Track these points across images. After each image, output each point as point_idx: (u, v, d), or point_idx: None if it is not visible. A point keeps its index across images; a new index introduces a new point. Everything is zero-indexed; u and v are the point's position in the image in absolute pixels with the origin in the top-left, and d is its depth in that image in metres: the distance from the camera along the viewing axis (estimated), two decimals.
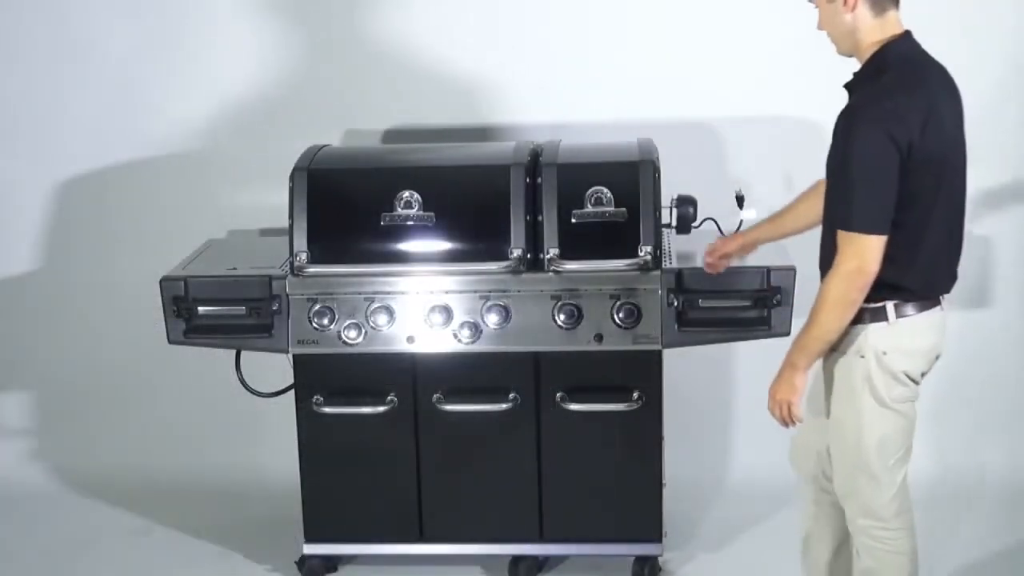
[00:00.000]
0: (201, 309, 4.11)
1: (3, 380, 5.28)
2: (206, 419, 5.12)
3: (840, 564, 3.57)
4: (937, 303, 3.27)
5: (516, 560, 4.24)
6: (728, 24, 4.79)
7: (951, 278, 3.32)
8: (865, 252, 3.08)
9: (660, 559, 4.26)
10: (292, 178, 4.07)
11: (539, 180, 4.03)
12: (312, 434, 4.19)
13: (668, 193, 4.15)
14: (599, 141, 4.39)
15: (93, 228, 5.12)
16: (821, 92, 4.71)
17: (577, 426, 4.12)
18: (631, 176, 4.02)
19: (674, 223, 4.18)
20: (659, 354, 4.05)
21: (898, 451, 3.29)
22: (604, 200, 3.99)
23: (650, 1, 4.81)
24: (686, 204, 4.17)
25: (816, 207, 3.43)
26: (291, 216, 4.05)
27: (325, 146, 4.32)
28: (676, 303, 3.97)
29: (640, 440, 4.13)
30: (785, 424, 3.28)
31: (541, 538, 4.23)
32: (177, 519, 4.75)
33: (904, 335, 3.21)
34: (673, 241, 4.30)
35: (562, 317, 4.00)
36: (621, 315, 3.98)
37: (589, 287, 3.99)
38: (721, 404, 4.97)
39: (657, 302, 3.97)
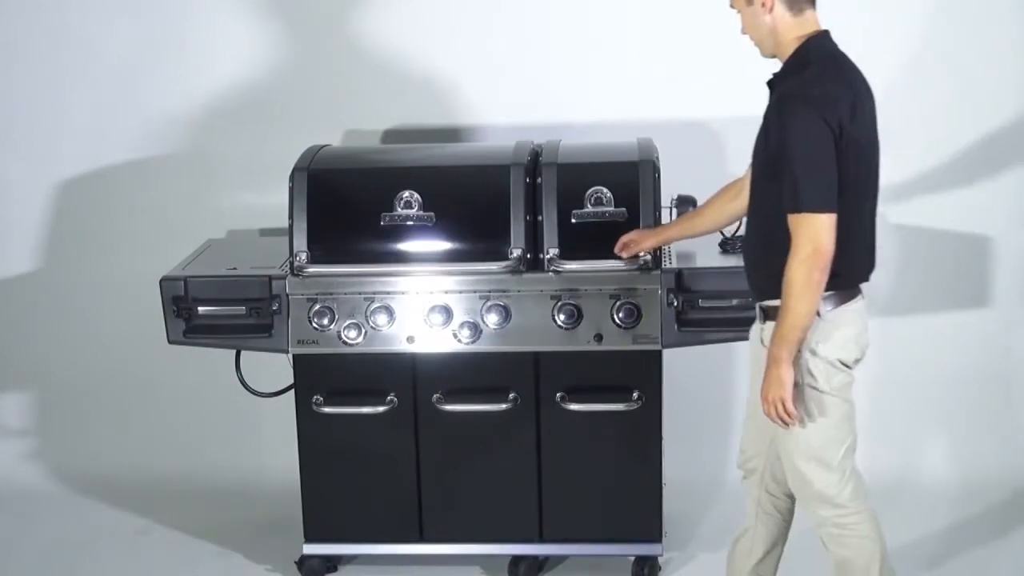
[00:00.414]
0: (201, 309, 4.11)
1: (3, 380, 5.28)
2: (206, 419, 5.12)
3: (765, 567, 3.65)
4: (859, 291, 3.36)
5: (516, 560, 4.24)
6: (728, 24, 4.78)
7: (872, 268, 3.41)
8: (819, 231, 3.14)
9: (660, 559, 4.26)
10: (292, 178, 4.07)
11: (539, 180, 4.03)
12: (312, 434, 4.19)
13: (668, 193, 4.15)
14: (599, 141, 4.39)
15: (93, 228, 5.12)
16: None
17: (577, 426, 4.12)
18: (631, 176, 4.02)
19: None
20: (659, 354, 4.06)
21: (846, 438, 3.35)
22: (604, 200, 4.00)
23: (650, 1, 4.81)
24: (686, 204, 4.17)
25: (726, 209, 3.73)
26: (291, 216, 4.06)
27: (325, 146, 4.32)
28: (676, 303, 3.98)
29: (640, 440, 4.13)
30: (784, 423, 3.29)
31: (541, 538, 4.23)
32: (177, 519, 4.75)
33: (836, 326, 3.28)
34: None
35: (562, 317, 4.00)
36: (621, 315, 3.98)
37: (589, 287, 3.99)
38: (721, 404, 4.97)
39: (657, 302, 3.97)
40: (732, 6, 3.39)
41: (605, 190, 4.00)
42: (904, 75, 4.75)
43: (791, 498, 3.58)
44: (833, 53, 3.32)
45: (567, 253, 3.98)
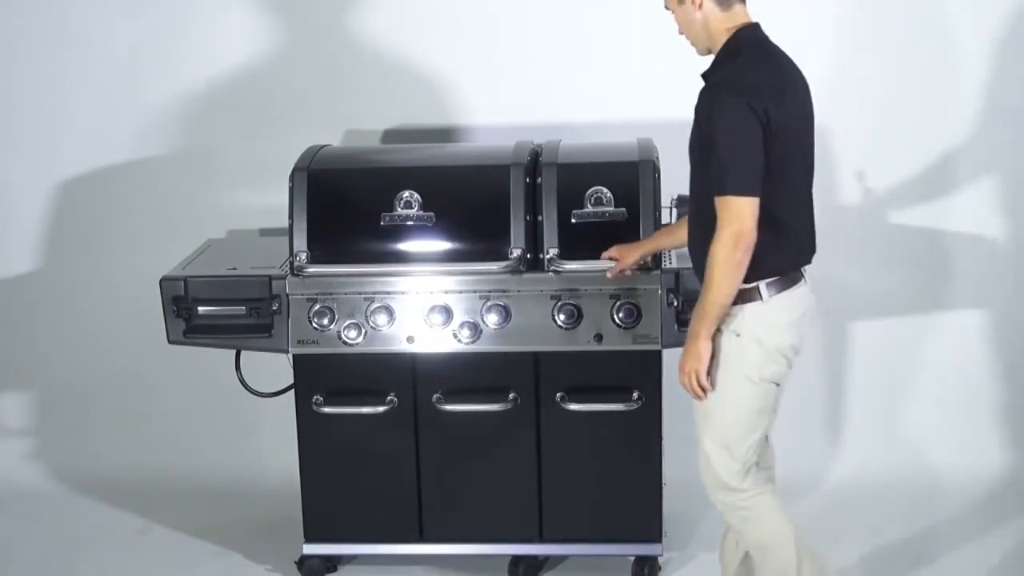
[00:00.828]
0: (201, 309, 4.11)
1: (3, 380, 5.28)
2: (206, 419, 5.12)
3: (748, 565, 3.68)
4: (802, 276, 3.43)
5: (516, 560, 4.24)
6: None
7: (813, 251, 3.48)
8: (742, 214, 3.22)
9: (660, 559, 4.26)
10: (292, 178, 4.07)
11: (539, 180, 4.03)
12: (312, 434, 4.19)
13: (668, 193, 4.15)
14: (599, 141, 4.39)
15: (93, 228, 5.12)
16: (820, 92, 4.73)
17: (577, 426, 4.12)
18: (631, 176, 4.02)
19: (674, 223, 4.17)
20: (659, 354, 4.05)
21: (759, 428, 3.44)
22: (604, 200, 4.00)
23: (651, 1, 4.80)
24: (686, 204, 4.14)
25: None
26: (291, 216, 4.06)
27: (325, 146, 4.32)
28: (676, 303, 3.98)
29: (640, 440, 4.13)
30: (697, 396, 3.40)
31: (541, 538, 4.23)
32: (177, 519, 4.75)
33: (777, 311, 3.36)
34: None
35: (562, 317, 4.00)
36: (621, 315, 3.98)
37: (589, 287, 3.99)
38: None
39: (657, 302, 3.97)
40: (666, 7, 3.48)
41: (605, 190, 4.00)
42: (895, 74, 4.76)
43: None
44: (761, 42, 3.42)
45: (567, 253, 3.99)
